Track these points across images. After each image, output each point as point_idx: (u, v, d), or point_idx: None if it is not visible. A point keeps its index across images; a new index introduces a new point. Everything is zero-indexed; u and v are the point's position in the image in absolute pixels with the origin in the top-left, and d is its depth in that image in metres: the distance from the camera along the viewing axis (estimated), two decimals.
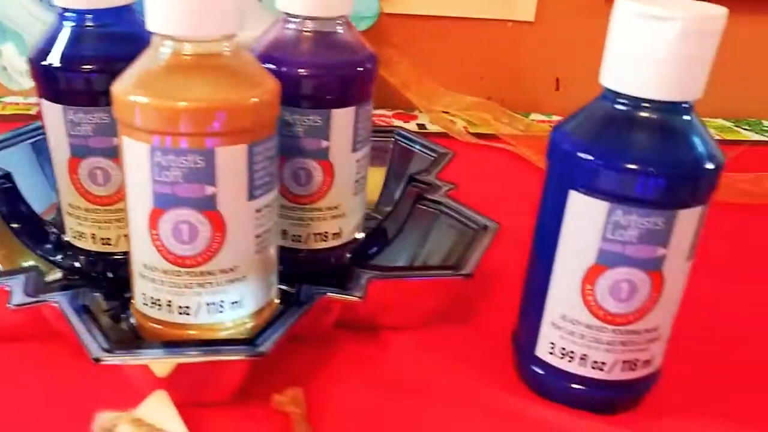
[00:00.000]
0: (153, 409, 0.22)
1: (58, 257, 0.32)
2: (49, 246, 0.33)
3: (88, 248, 0.31)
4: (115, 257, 0.31)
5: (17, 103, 0.54)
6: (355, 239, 0.33)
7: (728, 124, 0.60)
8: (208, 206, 0.24)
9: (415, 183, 0.34)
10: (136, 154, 0.24)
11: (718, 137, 0.56)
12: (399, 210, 0.35)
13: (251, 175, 0.24)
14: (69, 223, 0.31)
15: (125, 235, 0.29)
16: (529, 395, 0.27)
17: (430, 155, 0.38)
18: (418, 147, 0.39)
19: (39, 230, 0.33)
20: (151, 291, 0.25)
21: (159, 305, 0.26)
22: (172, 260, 0.25)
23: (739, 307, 0.33)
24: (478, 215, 0.31)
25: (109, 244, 0.30)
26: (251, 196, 0.25)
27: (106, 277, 0.31)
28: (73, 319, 0.24)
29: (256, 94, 0.24)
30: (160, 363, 0.23)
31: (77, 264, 0.31)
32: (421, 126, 0.54)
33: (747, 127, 0.59)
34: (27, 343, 0.28)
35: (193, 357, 0.23)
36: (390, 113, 0.56)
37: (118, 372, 0.24)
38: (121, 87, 0.24)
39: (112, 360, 0.22)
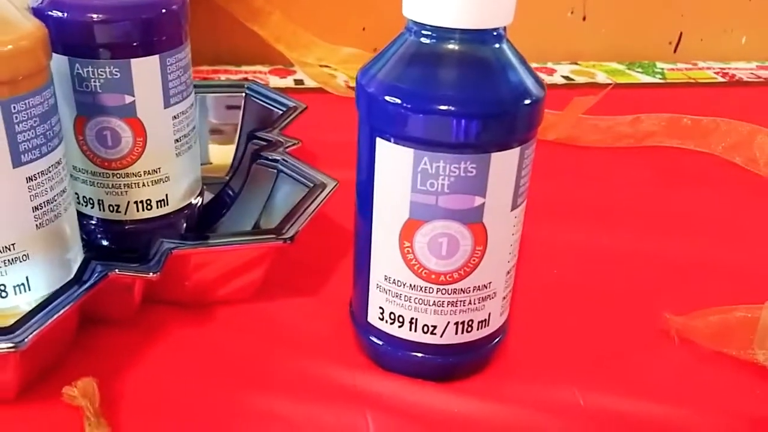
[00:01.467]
0: None
1: None
2: None
3: None
4: None
5: None
6: (190, 205, 0.30)
7: (621, 67, 0.59)
8: None
9: (256, 140, 0.31)
10: None
11: (609, 80, 0.55)
12: (240, 171, 0.32)
13: (10, 135, 0.21)
14: None
15: None
16: (370, 367, 0.24)
17: (280, 109, 0.34)
18: (271, 102, 0.36)
19: None
20: None
21: None
22: None
23: (603, 257, 0.31)
24: (317, 172, 0.28)
25: None
26: (16, 162, 0.21)
27: None
28: None
29: (8, 40, 0.20)
30: None
31: None
32: (298, 81, 0.51)
33: (640, 70, 0.58)
34: None
35: None
36: (266, 69, 0.53)
37: None
38: None
39: None
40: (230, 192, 0.32)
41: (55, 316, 0.20)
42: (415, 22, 0.20)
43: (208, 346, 0.25)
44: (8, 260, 0.22)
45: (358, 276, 0.24)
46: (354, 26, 0.55)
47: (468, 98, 0.19)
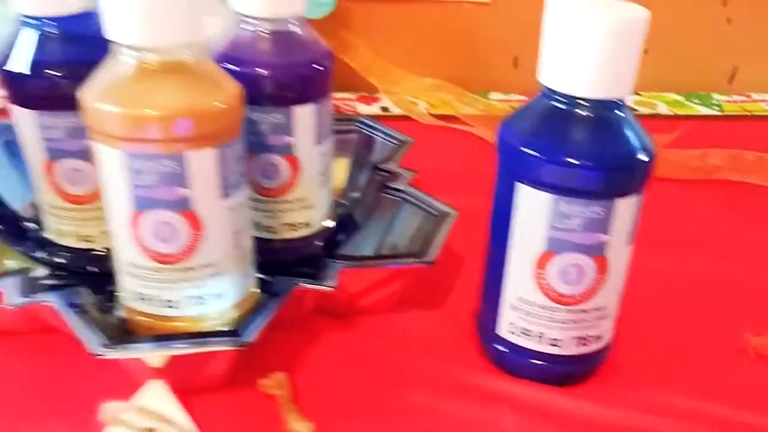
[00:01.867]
0: (152, 396, 0.24)
1: (39, 254, 0.33)
2: (30, 243, 0.34)
3: (69, 245, 0.32)
4: (96, 253, 0.32)
5: None
6: (325, 228, 0.35)
7: (679, 98, 0.62)
8: (183, 207, 0.25)
9: (378, 171, 0.36)
10: (110, 159, 0.25)
11: (669, 112, 0.59)
12: (365, 199, 0.36)
13: (225, 176, 0.26)
14: (49, 221, 0.32)
15: (105, 232, 0.31)
16: (494, 371, 0.29)
17: (392, 142, 0.39)
18: (380, 134, 0.41)
19: (18, 228, 0.34)
20: (138, 287, 0.27)
21: (146, 300, 0.27)
22: (153, 257, 0.26)
23: (686, 282, 0.36)
24: (439, 202, 0.33)
25: (91, 240, 0.32)
26: (225, 195, 0.26)
27: (88, 272, 0.32)
28: (69, 317, 0.25)
29: (220, 98, 0.25)
30: (154, 355, 0.25)
31: (58, 260, 0.32)
32: (385, 109, 0.56)
33: (697, 101, 0.62)
34: (24, 336, 0.29)
35: (183, 349, 0.25)
36: (354, 96, 0.58)
37: (113, 363, 0.26)
38: (89, 95, 0.25)
39: (110, 354, 0.24)
40: (352, 217, 0.37)
41: (266, 321, 0.25)
42: (550, 89, 0.25)
43: (357, 349, 0.30)
44: (210, 274, 0.27)
45: (490, 295, 0.28)
46: (431, 57, 0.60)
47: (598, 154, 0.24)
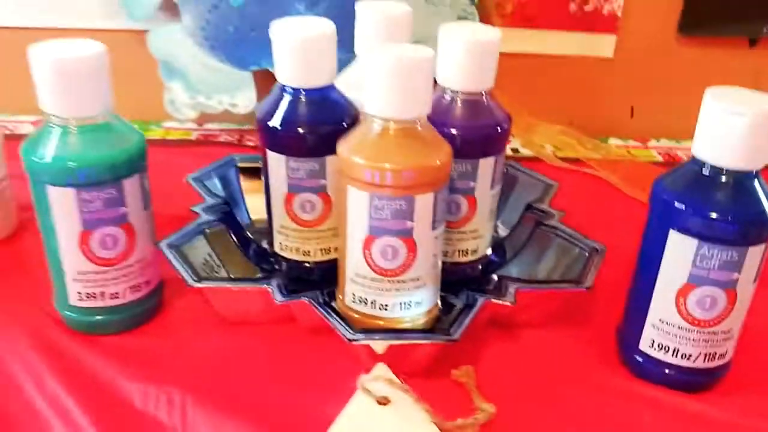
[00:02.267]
0: (382, 375, 0.32)
1: (264, 264, 0.43)
2: (255, 254, 0.43)
3: (291, 257, 0.41)
4: (307, 265, 0.41)
5: (179, 129, 0.65)
6: (486, 255, 0.43)
7: None
8: (407, 235, 0.34)
9: (532, 210, 0.44)
10: (357, 197, 0.34)
11: None
12: (519, 232, 0.44)
13: (435, 214, 0.34)
14: (278, 238, 0.41)
15: (322, 249, 0.40)
16: (632, 378, 0.36)
17: (538, 182, 0.47)
18: (523, 174, 0.49)
19: (247, 241, 0.44)
20: (360, 292, 0.36)
21: (365, 302, 0.36)
22: (378, 272, 0.35)
23: None
24: (587, 239, 0.40)
25: (309, 254, 0.41)
26: (433, 227, 0.35)
27: (301, 278, 0.41)
28: (324, 312, 0.35)
29: (438, 157, 0.34)
30: (383, 344, 0.33)
31: (279, 268, 0.42)
32: (515, 150, 0.63)
33: None
34: (262, 326, 0.38)
35: (413, 340, 0.34)
36: None
37: (345, 349, 0.35)
38: (345, 149, 0.34)
39: (361, 341, 0.33)
40: (505, 247, 0.45)
41: (466, 324, 0.33)
42: (700, 159, 0.32)
43: (520, 353, 0.37)
44: (416, 286, 0.35)
45: (634, 316, 0.35)
46: (557, 104, 0.67)
47: (735, 212, 0.31)
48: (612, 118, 0.68)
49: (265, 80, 0.61)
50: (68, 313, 0.37)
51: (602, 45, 0.65)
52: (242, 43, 0.58)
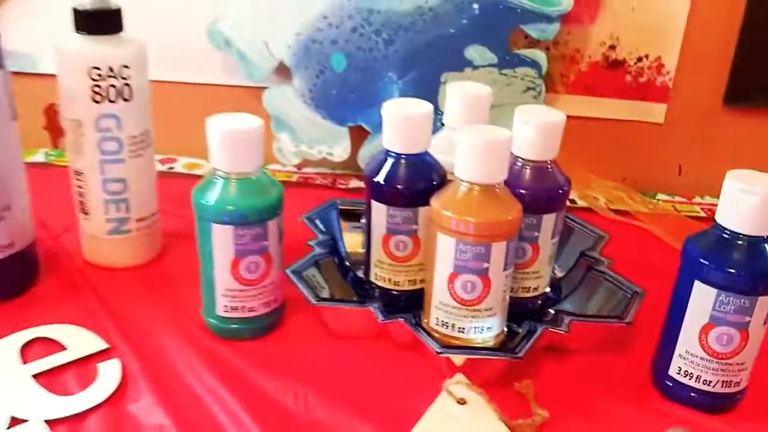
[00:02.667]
0: (463, 380, 0.41)
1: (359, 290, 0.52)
2: (352, 281, 0.53)
3: (384, 287, 0.51)
4: (395, 292, 0.51)
5: (282, 171, 0.76)
6: (545, 292, 0.52)
7: None
8: (483, 273, 0.43)
9: (585, 257, 0.53)
10: (445, 243, 0.43)
11: None
12: (573, 274, 0.53)
13: (507, 257, 0.43)
14: (375, 270, 0.51)
15: (409, 280, 0.50)
16: (662, 400, 0.44)
17: (592, 234, 0.56)
18: (579, 226, 0.57)
19: (346, 270, 0.54)
20: (443, 317, 0.45)
21: (446, 326, 0.45)
22: (459, 302, 0.44)
23: None
24: (630, 283, 0.49)
25: (398, 284, 0.50)
26: (505, 269, 0.44)
27: (392, 304, 0.51)
28: (417, 330, 0.44)
29: (511, 214, 0.43)
30: (461, 357, 0.42)
31: (373, 294, 0.51)
32: (572, 201, 0.72)
33: None
34: (362, 340, 0.48)
35: (487, 356, 0.43)
36: None
37: (428, 361, 0.44)
38: (438, 204, 0.44)
39: (446, 353, 0.42)
40: (561, 286, 0.53)
41: (529, 346, 0.42)
42: (719, 224, 0.40)
43: (569, 373, 0.46)
44: (489, 315, 0.44)
45: (666, 347, 0.43)
46: (610, 161, 0.76)
47: (748, 269, 0.39)
48: (661, 176, 0.76)
49: (358, 134, 0.71)
50: (213, 321, 0.48)
51: (654, 112, 0.74)
52: (342, 103, 0.69)
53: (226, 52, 0.70)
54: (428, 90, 0.66)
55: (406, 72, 0.67)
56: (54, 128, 0.78)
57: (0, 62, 0.46)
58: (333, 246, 0.54)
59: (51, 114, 0.77)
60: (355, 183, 0.73)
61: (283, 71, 0.70)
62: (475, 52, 0.67)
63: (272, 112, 0.71)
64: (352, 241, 0.57)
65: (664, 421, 0.42)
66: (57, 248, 0.57)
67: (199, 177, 0.72)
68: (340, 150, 0.71)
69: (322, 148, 0.71)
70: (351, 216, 0.59)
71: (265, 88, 0.71)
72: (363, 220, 0.52)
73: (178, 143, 0.73)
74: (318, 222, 0.57)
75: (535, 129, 0.46)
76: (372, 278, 0.51)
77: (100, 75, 0.48)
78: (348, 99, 0.69)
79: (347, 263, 0.55)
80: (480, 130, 0.43)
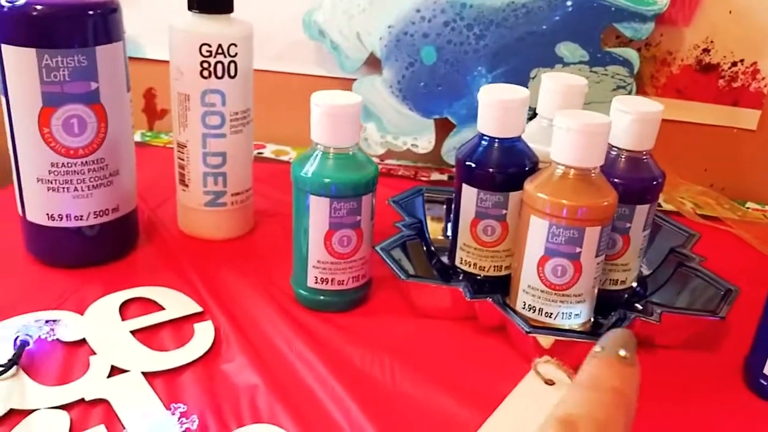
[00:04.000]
0: (547, 362, 0.41)
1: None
2: (435, 265, 0.54)
3: (468, 271, 0.51)
4: (479, 277, 0.51)
5: None
6: (632, 286, 0.51)
7: None
8: (575, 258, 0.43)
9: (675, 253, 0.52)
10: (538, 226, 0.43)
11: None
12: (661, 271, 0.52)
13: (600, 244, 0.43)
14: (460, 254, 0.51)
15: (495, 266, 0.50)
16: (756, 399, 0.43)
17: (681, 232, 0.55)
18: (667, 224, 0.56)
19: (431, 254, 0.54)
20: (530, 301, 0.45)
21: (533, 310, 0.45)
22: (548, 286, 0.44)
23: None
24: (724, 280, 0.48)
25: (483, 270, 0.51)
26: (597, 255, 0.43)
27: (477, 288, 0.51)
28: (504, 310, 0.44)
29: (607, 200, 0.43)
30: (549, 339, 0.42)
31: (457, 278, 0.52)
32: (658, 205, 0.71)
33: None
34: (446, 320, 0.48)
35: (578, 338, 0.43)
36: None
37: (511, 343, 0.44)
38: (532, 186, 0.44)
39: (535, 333, 0.42)
40: (647, 282, 0.53)
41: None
42: None
43: (656, 368, 0.45)
44: (578, 301, 0.44)
45: (761, 346, 0.42)
46: (698, 167, 0.74)
47: None
48: (751, 184, 0.74)
49: (443, 127, 0.72)
50: (303, 292, 0.49)
51: (747, 118, 0.72)
52: (429, 95, 0.70)
53: (320, 42, 0.72)
54: (516, 83, 0.66)
55: (496, 66, 0.68)
56: (151, 111, 0.82)
57: (119, 34, 0.49)
58: (419, 229, 0.55)
59: (149, 98, 0.81)
60: (436, 176, 0.74)
61: (372, 62, 0.72)
62: (566, 49, 0.66)
63: None
64: (431, 227, 0.58)
65: (759, 420, 0.41)
66: (154, 219, 0.60)
67: (284, 163, 0.75)
68: (424, 142, 0.72)
69: (407, 139, 0.72)
70: (434, 203, 0.60)
71: (354, 79, 0.73)
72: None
73: (268, 130, 0.76)
74: (403, 206, 0.58)
75: (632, 119, 0.46)
76: (457, 262, 0.52)
77: (209, 52, 0.51)
78: (435, 91, 0.70)
79: (432, 247, 0.56)
80: (579, 114, 0.43)
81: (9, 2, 0.45)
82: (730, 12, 0.69)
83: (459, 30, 0.67)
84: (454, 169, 0.75)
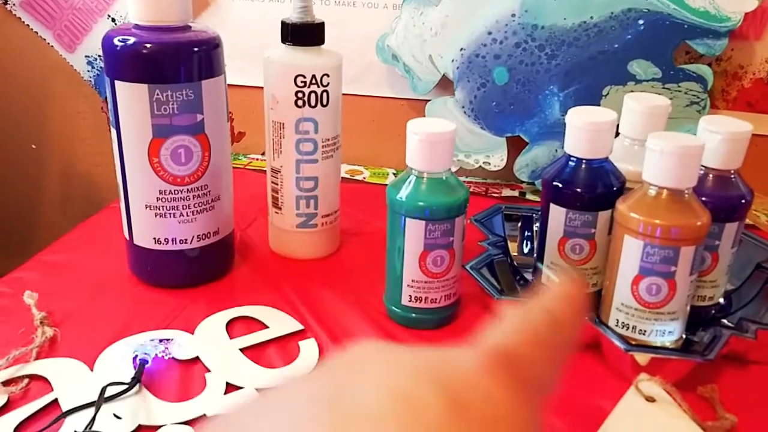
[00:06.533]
0: (649, 380, 0.42)
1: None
2: (519, 282, 0.55)
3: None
4: None
5: None
6: (719, 303, 0.52)
7: None
8: (670, 277, 0.44)
9: (762, 269, 0.52)
10: (632, 246, 0.45)
11: None
12: (747, 286, 0.53)
13: (694, 262, 0.44)
14: (545, 271, 0.53)
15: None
16: None
17: (765, 248, 0.55)
18: (751, 239, 0.57)
19: (515, 271, 0.56)
20: (623, 318, 0.46)
21: (627, 327, 0.46)
22: (642, 304, 0.45)
23: None
24: None
25: None
26: (691, 273, 0.45)
27: None
28: (602, 329, 0.46)
29: (700, 219, 0.44)
30: (646, 357, 0.44)
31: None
32: None
33: None
34: None
35: (679, 356, 0.44)
36: None
37: (606, 361, 0.45)
38: (625, 206, 0.45)
39: (634, 351, 0.43)
40: (731, 296, 0.53)
41: (719, 349, 0.43)
42: None
43: (751, 380, 0.46)
44: (671, 318, 0.45)
45: None
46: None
47: None
48: None
49: (514, 145, 0.74)
50: (396, 309, 0.51)
51: None
52: (501, 114, 0.72)
53: (393, 65, 0.74)
54: (589, 103, 0.68)
55: (567, 85, 0.69)
56: (230, 135, 0.85)
57: (221, 68, 0.52)
58: (503, 247, 0.57)
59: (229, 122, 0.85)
60: (507, 192, 0.75)
61: (443, 84, 0.74)
62: (638, 67, 0.68)
63: None
64: (510, 245, 0.59)
65: None
66: (246, 240, 0.63)
67: (359, 182, 0.77)
68: (497, 159, 0.73)
69: (479, 157, 0.74)
70: (511, 221, 0.62)
71: (427, 100, 0.75)
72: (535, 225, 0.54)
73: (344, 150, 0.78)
74: (484, 224, 0.60)
75: (722, 138, 0.47)
76: (543, 280, 0.53)
77: (304, 82, 0.53)
78: (507, 110, 0.72)
79: (515, 264, 0.57)
80: (672, 136, 0.44)
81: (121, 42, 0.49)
82: None
83: (530, 51, 0.69)
84: (524, 185, 0.77)
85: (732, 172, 0.48)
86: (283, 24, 0.54)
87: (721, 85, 0.72)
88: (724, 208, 0.48)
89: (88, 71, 0.86)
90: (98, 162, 0.92)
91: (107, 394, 0.43)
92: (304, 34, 0.54)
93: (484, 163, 0.74)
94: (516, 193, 0.75)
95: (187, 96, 0.49)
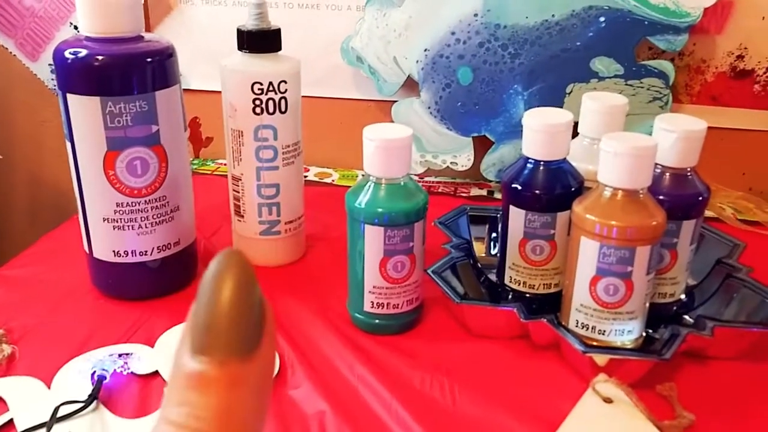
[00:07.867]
0: (611, 379, 0.42)
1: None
2: (484, 284, 0.55)
3: (517, 289, 0.53)
4: (528, 295, 0.52)
5: None
6: (680, 299, 0.52)
7: None
8: (627, 277, 0.44)
9: (722, 264, 0.53)
10: (589, 247, 0.45)
11: None
12: (708, 282, 0.53)
13: (650, 262, 0.44)
14: (509, 273, 0.53)
15: (544, 284, 0.51)
16: None
17: (725, 242, 0.55)
18: (711, 234, 0.57)
19: (479, 273, 0.56)
20: (582, 319, 0.46)
21: (586, 328, 0.46)
22: (601, 304, 0.45)
23: None
24: None
25: (533, 288, 0.52)
26: (648, 273, 0.45)
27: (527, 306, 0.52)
28: (561, 331, 0.46)
29: (656, 219, 0.44)
30: (604, 358, 0.44)
31: (505, 297, 0.53)
32: None
33: None
34: (499, 340, 0.50)
35: (635, 357, 0.44)
36: None
37: (565, 361, 0.45)
38: (581, 208, 0.45)
39: (591, 353, 0.43)
40: (694, 293, 0.54)
41: (675, 349, 0.43)
42: None
43: (710, 377, 0.46)
44: (630, 318, 0.45)
45: None
46: (736, 171, 0.75)
47: None
48: None
49: (481, 144, 0.74)
50: (359, 316, 0.51)
51: None
52: (467, 114, 0.72)
53: (358, 68, 0.74)
54: (553, 101, 0.68)
55: (531, 84, 0.69)
56: (196, 140, 0.85)
57: (176, 78, 0.51)
58: (467, 249, 0.56)
59: (194, 126, 0.84)
60: (475, 191, 0.75)
61: (409, 85, 0.74)
62: (601, 64, 0.68)
63: (399, 123, 0.74)
64: (476, 246, 0.59)
65: None
66: (210, 248, 0.63)
67: (328, 185, 0.77)
68: (463, 159, 0.73)
69: (446, 157, 0.74)
70: (478, 222, 0.62)
71: (392, 101, 0.74)
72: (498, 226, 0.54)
73: (311, 154, 0.78)
74: (449, 227, 0.60)
75: (677, 137, 0.47)
76: (506, 281, 0.53)
77: (261, 89, 0.53)
78: (473, 110, 0.71)
79: (480, 266, 0.57)
80: (625, 137, 0.44)
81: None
82: (763, 18, 0.69)
83: (494, 50, 0.69)
84: (492, 184, 0.77)
85: (688, 170, 0.49)
86: (239, 31, 0.54)
87: (685, 79, 0.73)
88: (681, 206, 0.48)
89: (53, 80, 0.85)
90: (66, 170, 0.91)
91: (64, 412, 0.42)
92: (260, 40, 0.53)
93: (451, 163, 0.74)
94: (485, 192, 0.75)
95: (141, 107, 0.49)
